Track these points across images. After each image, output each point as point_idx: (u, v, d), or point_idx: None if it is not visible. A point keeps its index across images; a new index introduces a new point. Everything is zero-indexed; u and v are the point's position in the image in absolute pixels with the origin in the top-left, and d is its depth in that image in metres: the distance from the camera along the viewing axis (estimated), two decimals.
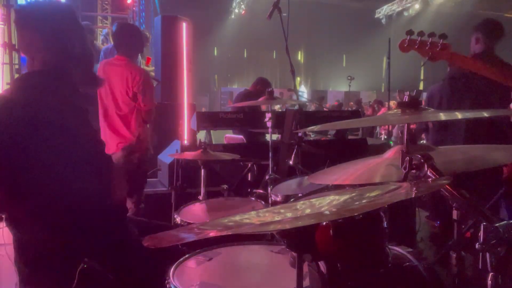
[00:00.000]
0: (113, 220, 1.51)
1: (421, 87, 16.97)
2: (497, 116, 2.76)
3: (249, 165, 2.94)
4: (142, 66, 5.82)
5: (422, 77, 19.35)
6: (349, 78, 9.69)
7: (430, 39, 1.88)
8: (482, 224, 0.85)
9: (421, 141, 4.90)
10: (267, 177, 2.51)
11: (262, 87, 4.87)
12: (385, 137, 8.71)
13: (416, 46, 1.91)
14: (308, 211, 0.87)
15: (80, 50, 1.49)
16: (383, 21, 18.95)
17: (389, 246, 1.21)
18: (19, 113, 1.30)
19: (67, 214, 1.32)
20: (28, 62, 1.45)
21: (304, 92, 17.94)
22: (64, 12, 1.50)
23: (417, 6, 17.69)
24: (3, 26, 4.53)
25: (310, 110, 10.66)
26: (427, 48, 1.91)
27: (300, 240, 0.79)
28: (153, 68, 5.93)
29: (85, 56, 1.52)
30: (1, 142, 1.27)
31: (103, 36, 7.57)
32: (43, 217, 1.33)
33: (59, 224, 1.34)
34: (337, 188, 1.46)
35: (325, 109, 8.84)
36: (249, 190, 2.63)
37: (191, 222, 1.92)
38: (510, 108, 2.85)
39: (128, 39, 3.13)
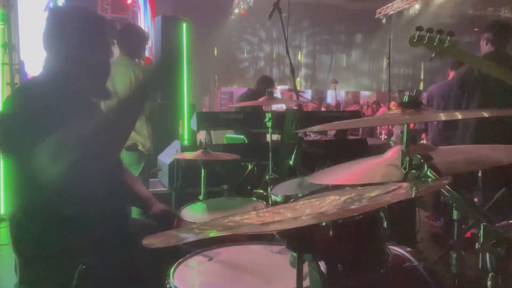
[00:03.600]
0: (115, 219, 1.51)
1: (421, 87, 16.94)
2: (508, 117, 2.76)
3: (250, 166, 2.94)
4: None
5: (422, 77, 19.34)
6: (333, 81, 9.63)
7: (439, 35, 1.93)
8: (482, 224, 0.85)
9: (421, 141, 4.90)
10: (267, 177, 2.51)
11: (265, 86, 4.85)
12: (385, 137, 8.70)
13: (424, 42, 1.98)
14: (308, 211, 0.87)
15: (98, 61, 1.51)
16: (383, 21, 18.94)
17: (389, 246, 1.22)
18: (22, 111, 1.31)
19: (70, 213, 1.33)
20: (47, 60, 1.47)
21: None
22: (95, 23, 1.51)
23: (417, 6, 17.67)
24: (3, 26, 4.53)
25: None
26: (435, 44, 1.96)
27: (300, 240, 0.79)
28: None
29: (101, 68, 1.54)
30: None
31: None
32: (46, 215, 1.34)
33: (62, 223, 1.34)
34: (337, 188, 1.46)
35: (323, 108, 8.82)
36: (249, 189, 2.63)
37: (191, 222, 1.92)
38: None
39: (132, 39, 3.23)
